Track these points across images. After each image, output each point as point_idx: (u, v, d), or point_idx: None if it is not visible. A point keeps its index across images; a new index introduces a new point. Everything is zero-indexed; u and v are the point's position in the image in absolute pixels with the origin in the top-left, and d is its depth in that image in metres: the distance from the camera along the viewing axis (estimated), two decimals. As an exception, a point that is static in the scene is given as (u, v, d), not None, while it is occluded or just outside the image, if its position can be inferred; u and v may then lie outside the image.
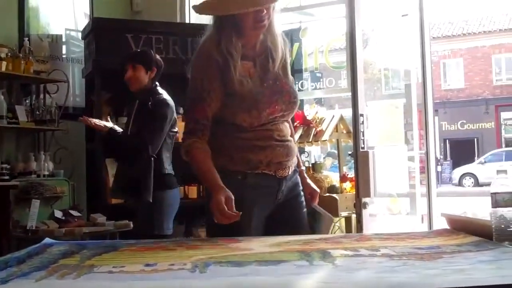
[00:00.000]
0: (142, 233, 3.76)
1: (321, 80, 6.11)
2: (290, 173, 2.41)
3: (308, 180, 2.59)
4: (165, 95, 3.95)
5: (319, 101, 7.40)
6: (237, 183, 2.26)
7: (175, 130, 4.03)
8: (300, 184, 2.51)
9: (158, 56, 4.07)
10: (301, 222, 2.47)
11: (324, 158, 7.14)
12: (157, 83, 3.98)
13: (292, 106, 2.40)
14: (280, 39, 2.41)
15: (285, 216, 2.40)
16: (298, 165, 2.51)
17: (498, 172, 1.77)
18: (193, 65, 2.34)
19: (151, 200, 3.78)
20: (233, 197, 2.11)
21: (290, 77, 2.48)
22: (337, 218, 5.05)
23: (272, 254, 1.66)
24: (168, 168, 3.96)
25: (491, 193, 1.73)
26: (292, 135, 2.50)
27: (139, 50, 4.38)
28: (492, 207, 1.73)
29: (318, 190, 2.58)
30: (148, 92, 3.93)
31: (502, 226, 1.68)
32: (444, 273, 1.32)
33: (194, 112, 2.28)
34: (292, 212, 2.44)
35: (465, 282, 1.22)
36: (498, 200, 1.71)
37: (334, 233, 4.83)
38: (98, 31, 5.11)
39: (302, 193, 2.50)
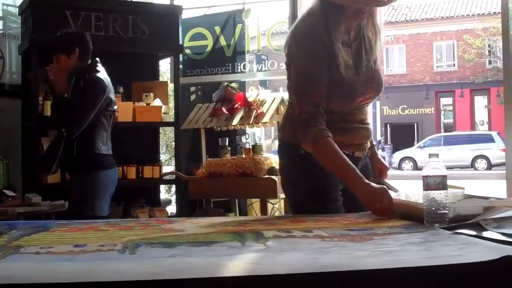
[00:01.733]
0: (74, 214, 3.67)
1: (265, 62, 6.10)
2: (366, 153, 2.43)
3: (379, 155, 2.58)
4: (101, 73, 3.81)
5: (263, 84, 7.40)
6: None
7: (113, 109, 3.92)
8: (370, 166, 2.50)
9: (77, 30, 4.04)
10: None
11: (266, 140, 7.14)
12: (97, 59, 3.87)
13: (379, 93, 2.42)
14: (382, 32, 2.37)
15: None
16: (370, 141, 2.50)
17: (430, 155, 1.79)
18: (299, 45, 2.25)
19: (50, 174, 3.91)
20: None
21: (378, 64, 2.44)
22: (276, 200, 5.06)
23: (205, 235, 1.64)
24: (103, 148, 3.84)
25: (423, 176, 1.75)
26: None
27: (57, 36, 4.06)
28: (424, 190, 1.75)
29: (388, 166, 2.57)
30: (85, 70, 3.81)
31: (433, 208, 1.71)
32: (373, 254, 1.33)
33: (311, 95, 2.19)
34: None
35: (393, 263, 1.23)
36: (430, 183, 1.73)
37: (273, 214, 4.86)
38: (35, 6, 4.98)
39: (371, 174, 2.49)
